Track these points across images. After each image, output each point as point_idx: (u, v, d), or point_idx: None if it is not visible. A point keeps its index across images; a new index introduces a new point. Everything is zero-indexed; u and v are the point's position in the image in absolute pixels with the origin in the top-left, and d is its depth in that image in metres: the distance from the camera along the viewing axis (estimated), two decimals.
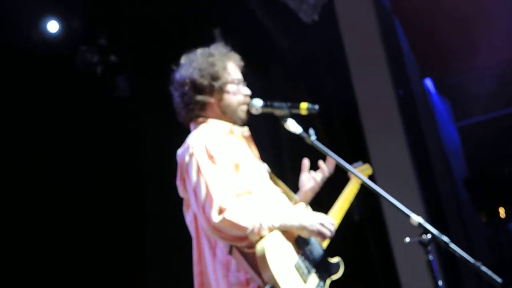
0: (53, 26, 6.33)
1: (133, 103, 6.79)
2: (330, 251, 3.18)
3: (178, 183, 3.03)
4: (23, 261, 6.02)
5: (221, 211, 2.75)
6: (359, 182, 3.21)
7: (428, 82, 8.92)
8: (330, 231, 2.95)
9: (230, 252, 2.83)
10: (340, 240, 3.30)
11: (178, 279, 3.42)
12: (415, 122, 6.65)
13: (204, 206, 2.80)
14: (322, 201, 3.43)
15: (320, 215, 3.02)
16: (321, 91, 6.60)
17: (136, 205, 6.58)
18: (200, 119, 3.12)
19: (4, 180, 6.01)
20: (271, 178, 3.22)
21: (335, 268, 3.09)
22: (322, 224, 2.93)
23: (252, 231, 2.75)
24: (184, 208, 3.08)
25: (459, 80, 9.15)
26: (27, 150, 6.11)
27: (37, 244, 6.10)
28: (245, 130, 3.20)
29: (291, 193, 3.25)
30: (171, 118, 3.28)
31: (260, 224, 2.76)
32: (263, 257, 2.71)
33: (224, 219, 2.74)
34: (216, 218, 2.74)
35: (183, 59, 3.22)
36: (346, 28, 6.41)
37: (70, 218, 6.25)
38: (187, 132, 3.14)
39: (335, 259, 3.13)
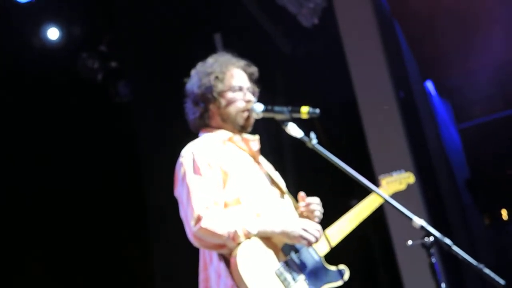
0: (53, 33, 6.35)
1: (134, 108, 6.80)
2: (332, 256, 3.15)
3: (174, 192, 3.07)
4: (26, 261, 6.02)
5: (198, 220, 2.79)
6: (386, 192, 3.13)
7: (429, 84, 8.92)
8: (315, 236, 2.91)
9: (220, 259, 2.84)
10: (342, 244, 3.28)
11: (185, 283, 3.42)
12: (416, 124, 6.65)
13: (186, 215, 2.85)
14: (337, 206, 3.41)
15: (304, 221, 2.98)
16: (321, 95, 6.60)
17: (141, 209, 6.59)
18: (204, 129, 3.18)
19: (11, 183, 6.02)
20: (278, 187, 3.20)
21: (334, 275, 3.04)
22: (305, 230, 2.90)
23: (228, 238, 2.76)
24: None
25: (459, 82, 9.15)
26: (31, 156, 6.14)
27: (48, 245, 6.12)
28: (256, 141, 3.19)
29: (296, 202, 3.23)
30: (173, 123, 3.30)
31: (235, 231, 2.77)
32: (235, 264, 2.73)
33: (201, 228, 2.77)
34: (194, 227, 2.79)
35: (192, 72, 3.28)
36: (346, 31, 6.42)
37: (78, 222, 6.27)
38: (190, 137, 3.16)
39: (339, 266, 3.08)
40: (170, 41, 6.55)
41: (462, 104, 9.59)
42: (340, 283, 3.05)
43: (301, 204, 3.16)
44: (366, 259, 6.18)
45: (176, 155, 3.09)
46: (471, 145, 9.10)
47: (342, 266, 3.10)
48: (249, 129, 3.21)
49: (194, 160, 2.95)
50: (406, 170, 3.79)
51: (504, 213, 8.18)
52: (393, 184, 3.73)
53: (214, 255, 2.89)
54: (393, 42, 7.09)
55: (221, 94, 3.14)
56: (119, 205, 6.49)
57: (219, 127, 3.16)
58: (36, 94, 6.22)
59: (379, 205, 3.48)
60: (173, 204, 3.08)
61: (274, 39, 6.83)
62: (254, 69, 3.29)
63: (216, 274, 2.86)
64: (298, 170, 6.33)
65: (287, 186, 3.26)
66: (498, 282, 2.58)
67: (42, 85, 6.19)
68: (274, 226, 2.88)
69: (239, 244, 2.77)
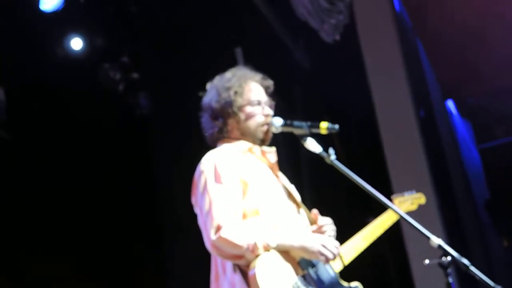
0: (77, 44, 6.41)
1: (153, 121, 6.84)
2: (348, 273, 3.14)
3: (192, 199, 3.07)
4: (26, 262, 6.04)
5: (218, 229, 2.79)
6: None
7: (450, 104, 8.88)
8: (333, 253, 2.91)
9: (235, 270, 2.84)
10: (359, 261, 3.26)
11: None
12: (436, 144, 6.62)
13: (206, 224, 2.85)
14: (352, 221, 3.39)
15: (323, 237, 2.99)
16: (341, 111, 6.59)
17: (157, 219, 6.62)
18: (223, 140, 3.19)
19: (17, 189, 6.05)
20: (294, 200, 3.20)
21: None
22: (324, 246, 2.89)
23: (247, 249, 2.75)
24: None
25: (481, 102, 9.10)
26: (49, 164, 6.18)
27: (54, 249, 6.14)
28: (272, 153, 3.20)
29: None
30: (191, 136, 3.31)
31: (255, 243, 2.76)
32: (253, 276, 2.71)
33: (220, 237, 2.77)
34: (213, 236, 2.79)
35: (208, 86, 3.29)
36: (368, 48, 6.42)
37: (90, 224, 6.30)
38: (208, 150, 3.16)
39: (352, 284, 3.06)
40: (191, 54, 6.60)
41: (483, 124, 9.53)
42: None
43: (313, 227, 3.15)
44: (382, 278, 6.14)
45: (194, 167, 3.09)
46: (492, 165, 9.03)
47: (356, 284, 3.07)
48: (268, 142, 3.22)
49: (215, 169, 2.96)
50: (425, 188, 3.79)
51: None
52: (404, 204, 3.73)
53: (228, 266, 2.89)
54: (414, 60, 7.08)
55: (241, 108, 3.15)
56: (135, 219, 6.51)
57: (238, 139, 3.17)
58: (58, 103, 6.28)
59: (394, 223, 3.47)
60: (191, 217, 3.07)
61: (295, 54, 6.85)
62: (270, 83, 3.30)
63: (230, 285, 2.86)
64: (315, 185, 6.32)
65: (303, 201, 3.26)
66: None
67: (64, 95, 6.25)
68: (293, 240, 2.88)
69: (257, 256, 2.76)
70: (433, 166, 6.25)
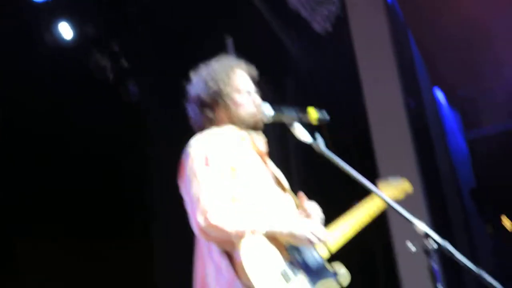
0: (67, 31, 6.39)
1: (143, 108, 6.85)
2: (333, 259, 3.17)
3: (179, 181, 3.06)
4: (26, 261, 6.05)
5: (206, 214, 2.78)
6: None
7: (439, 93, 8.93)
8: (321, 240, 2.94)
9: (222, 254, 2.85)
10: (344, 247, 3.30)
11: (185, 277, 3.45)
12: (424, 133, 6.67)
13: (193, 208, 2.84)
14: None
15: (312, 223, 3.01)
16: (331, 102, 6.62)
17: (143, 203, 6.62)
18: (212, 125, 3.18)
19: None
20: (282, 187, 3.23)
21: (335, 277, 3.04)
22: (312, 232, 2.93)
23: (236, 235, 2.77)
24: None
25: (470, 92, 9.14)
26: (34, 152, 6.17)
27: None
28: (262, 141, 3.22)
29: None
30: (180, 123, 3.33)
31: (244, 229, 2.78)
32: (241, 263, 2.73)
33: (208, 222, 2.77)
34: (201, 220, 2.78)
35: (193, 74, 3.28)
36: (359, 38, 6.44)
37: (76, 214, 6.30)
38: None
39: (338, 269, 3.08)
40: (181, 43, 6.59)
41: (471, 114, 9.58)
42: (341, 285, 3.06)
43: (299, 211, 3.17)
44: (367, 263, 6.20)
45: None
46: (479, 154, 9.09)
47: (342, 269, 3.10)
48: (258, 131, 3.23)
49: (204, 152, 2.95)
50: (412, 176, 3.83)
51: (509, 224, 8.18)
52: (389, 189, 3.75)
53: (213, 249, 2.89)
54: (405, 50, 7.11)
55: (230, 97, 3.16)
56: (122, 206, 6.51)
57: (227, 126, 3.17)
58: (47, 91, 6.26)
59: (382, 211, 3.51)
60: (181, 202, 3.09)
61: (286, 45, 6.86)
62: (255, 71, 3.30)
63: (215, 268, 2.87)
64: (303, 174, 6.36)
65: (291, 188, 3.28)
66: None
67: (54, 82, 6.24)
68: (282, 226, 2.90)
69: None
70: (420, 155, 6.32)
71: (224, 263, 2.83)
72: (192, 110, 3.23)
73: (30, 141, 6.14)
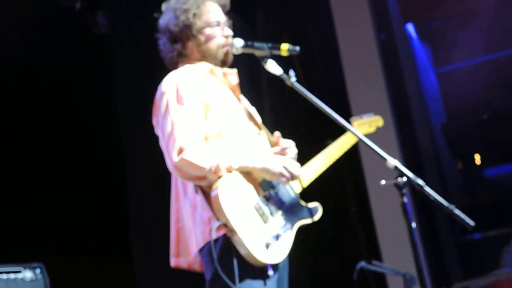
0: None
1: (111, 40, 6.70)
2: (306, 194, 3.19)
3: (153, 119, 3.05)
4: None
5: (181, 151, 2.78)
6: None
7: (410, 27, 8.88)
8: (294, 175, 2.94)
9: (196, 191, 2.86)
10: (317, 182, 3.31)
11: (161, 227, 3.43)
12: (395, 67, 6.67)
13: (167, 145, 2.84)
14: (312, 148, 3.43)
15: (285, 159, 3.02)
16: (302, 34, 6.57)
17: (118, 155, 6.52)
18: (182, 64, 3.14)
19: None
20: (255, 122, 3.21)
21: (308, 212, 3.08)
22: (285, 167, 2.92)
23: (210, 171, 2.77)
24: None
25: (441, 26, 9.11)
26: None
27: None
28: (234, 74, 3.17)
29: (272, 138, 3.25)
30: (150, 57, 3.27)
31: (217, 165, 2.77)
32: (215, 196, 2.75)
33: (182, 159, 2.77)
34: (176, 157, 2.79)
35: (164, 6, 3.21)
36: None
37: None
38: (167, 71, 3.13)
39: (311, 204, 3.12)
40: None
41: (442, 48, 9.57)
42: (313, 219, 3.10)
43: (276, 149, 3.17)
44: (338, 197, 6.27)
45: (153, 91, 3.06)
46: (449, 89, 9.12)
47: (315, 204, 3.14)
48: (229, 64, 3.20)
49: (177, 90, 2.93)
50: (383, 111, 3.83)
51: (478, 158, 8.29)
52: (363, 126, 3.76)
53: (189, 188, 2.91)
54: None
55: (200, 30, 3.11)
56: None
57: (199, 61, 3.13)
58: (13, 22, 6.08)
59: (353, 145, 3.52)
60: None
61: None
62: (226, 1, 3.24)
63: (191, 206, 2.89)
64: (275, 107, 6.34)
65: (264, 123, 3.28)
66: (468, 223, 2.63)
67: (18, 14, 6.06)
68: (256, 161, 2.90)
69: (219, 177, 2.79)
70: (391, 89, 6.33)
71: (199, 199, 2.85)
72: (162, 43, 3.18)
73: None
